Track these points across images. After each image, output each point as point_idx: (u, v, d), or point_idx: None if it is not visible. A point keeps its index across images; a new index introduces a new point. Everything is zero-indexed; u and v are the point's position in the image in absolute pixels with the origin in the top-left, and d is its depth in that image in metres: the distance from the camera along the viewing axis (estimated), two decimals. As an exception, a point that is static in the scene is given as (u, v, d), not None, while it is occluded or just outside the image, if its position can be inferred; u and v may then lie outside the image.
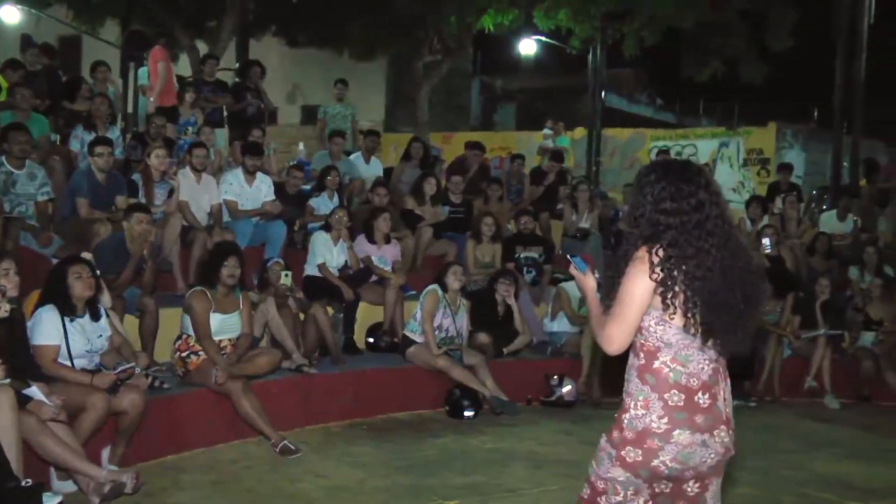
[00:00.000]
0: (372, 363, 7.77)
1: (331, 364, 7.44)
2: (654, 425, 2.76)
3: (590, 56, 18.35)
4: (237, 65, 13.86)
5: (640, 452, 2.77)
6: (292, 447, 6.03)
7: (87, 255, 5.84)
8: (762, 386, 8.69)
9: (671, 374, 2.77)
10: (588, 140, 18.66)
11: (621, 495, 2.83)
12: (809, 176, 19.44)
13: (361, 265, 8.35)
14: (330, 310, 7.82)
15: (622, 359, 3.02)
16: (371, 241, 8.50)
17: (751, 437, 6.94)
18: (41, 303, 5.31)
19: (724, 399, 2.85)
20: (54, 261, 6.22)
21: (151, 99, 10.51)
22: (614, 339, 2.77)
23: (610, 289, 2.83)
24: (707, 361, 2.80)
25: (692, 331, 2.76)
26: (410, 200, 9.75)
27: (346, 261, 8.25)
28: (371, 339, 8.23)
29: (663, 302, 2.74)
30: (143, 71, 11.11)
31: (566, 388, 7.99)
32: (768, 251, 9.88)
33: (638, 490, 2.82)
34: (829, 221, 11.43)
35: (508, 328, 8.32)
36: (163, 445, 5.87)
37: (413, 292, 8.39)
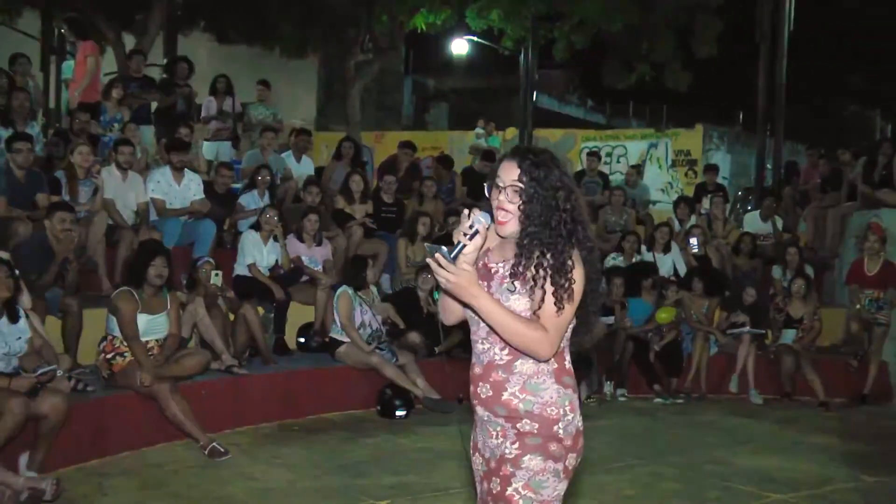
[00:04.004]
0: (303, 363, 7.72)
1: (261, 364, 7.36)
2: (579, 424, 2.66)
3: (521, 57, 18.50)
4: (165, 61, 13.56)
5: (575, 456, 2.65)
6: (221, 449, 5.95)
7: (3, 255, 5.66)
8: (689, 383, 8.88)
9: (572, 370, 2.68)
10: (519, 140, 18.79)
11: None
12: (735, 177, 19.89)
13: (292, 265, 8.27)
14: (260, 310, 7.73)
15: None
16: (301, 241, 8.43)
17: (677, 433, 6.92)
18: (-44, 304, 5.13)
19: None
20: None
21: (76, 94, 10.21)
22: (557, 345, 2.56)
23: (564, 293, 2.53)
24: None
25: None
26: (340, 200, 9.70)
27: (276, 260, 8.16)
28: (302, 339, 8.17)
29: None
30: (67, 65, 10.79)
31: (498, 387, 8.02)
32: (695, 251, 10.10)
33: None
34: (753, 222, 11.70)
35: (438, 327, 8.32)
36: (86, 450, 5.72)
37: (345, 292, 8.34)
